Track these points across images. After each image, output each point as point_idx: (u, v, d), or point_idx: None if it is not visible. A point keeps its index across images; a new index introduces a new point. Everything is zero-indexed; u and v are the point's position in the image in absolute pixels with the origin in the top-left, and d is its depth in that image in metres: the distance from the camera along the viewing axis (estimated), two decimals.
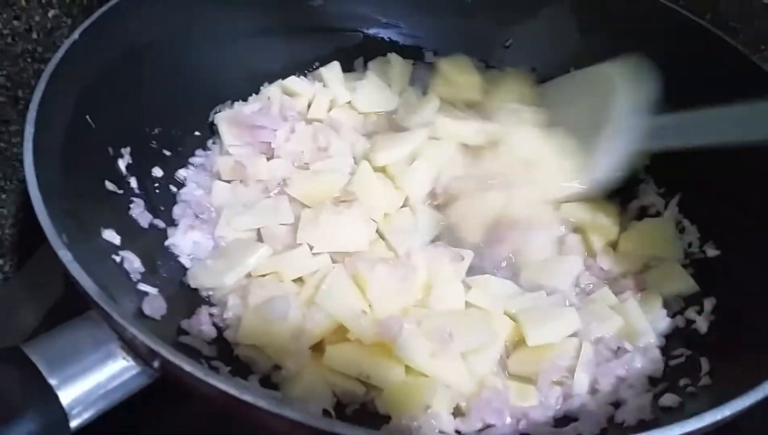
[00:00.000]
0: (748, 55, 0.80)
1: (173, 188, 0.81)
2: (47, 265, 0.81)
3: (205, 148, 0.87)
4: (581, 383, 0.66)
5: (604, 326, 0.71)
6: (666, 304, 0.75)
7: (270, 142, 0.85)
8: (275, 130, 0.86)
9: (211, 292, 0.72)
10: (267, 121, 0.86)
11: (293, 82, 0.93)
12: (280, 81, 0.93)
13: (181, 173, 0.83)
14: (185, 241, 0.75)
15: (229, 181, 0.82)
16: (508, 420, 0.63)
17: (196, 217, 0.79)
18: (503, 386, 0.65)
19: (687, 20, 0.86)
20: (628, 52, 0.87)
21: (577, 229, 0.83)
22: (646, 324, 0.72)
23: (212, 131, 0.89)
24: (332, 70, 0.95)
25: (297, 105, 0.91)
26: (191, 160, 0.85)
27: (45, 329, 0.71)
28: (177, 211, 0.78)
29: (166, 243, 0.74)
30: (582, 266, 0.79)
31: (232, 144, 0.85)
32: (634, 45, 0.86)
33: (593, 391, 0.67)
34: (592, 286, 0.78)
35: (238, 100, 0.91)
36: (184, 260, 0.74)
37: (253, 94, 0.92)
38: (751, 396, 0.50)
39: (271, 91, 0.92)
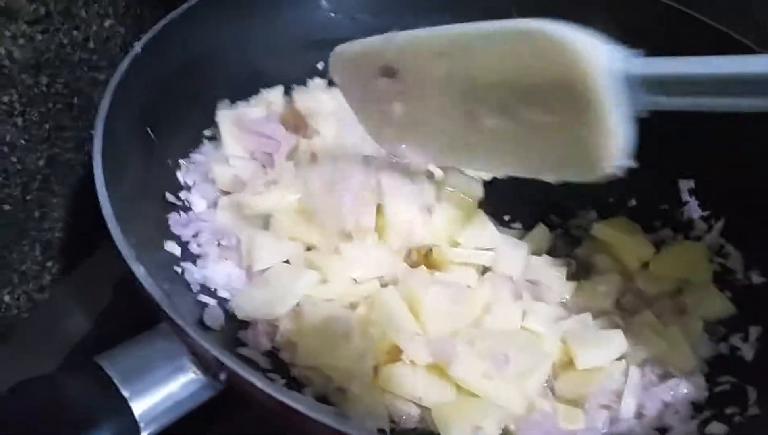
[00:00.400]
0: None
1: None
2: (97, 271, 0.82)
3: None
4: (628, 407, 0.67)
5: (649, 350, 0.71)
6: (708, 329, 0.75)
7: (272, 154, 0.80)
8: (279, 143, 0.80)
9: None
10: (272, 130, 0.81)
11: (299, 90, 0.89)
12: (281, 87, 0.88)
13: (181, 178, 0.77)
14: (218, 275, 0.71)
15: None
16: None
17: (219, 244, 0.74)
18: (552, 409, 0.66)
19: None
20: None
21: (603, 249, 0.83)
22: (688, 349, 0.72)
23: None
24: None
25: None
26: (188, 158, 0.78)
27: (95, 335, 0.75)
28: (199, 240, 0.73)
29: (198, 278, 0.70)
30: (622, 285, 0.80)
31: (234, 153, 0.80)
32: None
33: (639, 416, 0.67)
34: (634, 306, 0.78)
35: None
36: (221, 293, 0.71)
37: (253, 96, 0.87)
38: None
39: (273, 95, 0.87)
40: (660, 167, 0.83)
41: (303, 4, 0.93)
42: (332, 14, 0.95)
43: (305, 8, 0.93)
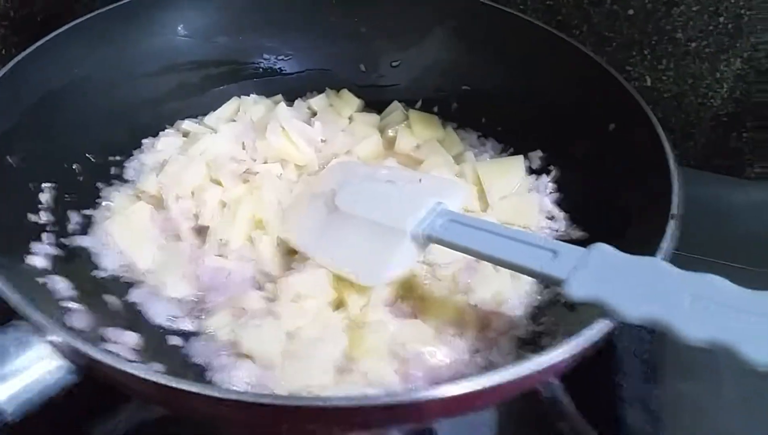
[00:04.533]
0: (617, 77, 0.90)
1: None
2: None
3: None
4: None
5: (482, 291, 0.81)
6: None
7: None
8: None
9: None
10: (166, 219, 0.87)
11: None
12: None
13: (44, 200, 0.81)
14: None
15: None
16: None
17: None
18: None
19: (562, 42, 0.97)
20: (505, 71, 1.01)
21: None
22: (518, 292, 0.82)
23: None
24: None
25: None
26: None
27: None
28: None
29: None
30: None
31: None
32: (513, 65, 1.01)
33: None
34: None
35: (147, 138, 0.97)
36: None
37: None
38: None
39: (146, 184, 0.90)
40: None
41: (159, 32, 1.00)
42: (190, 39, 1.03)
43: (162, 35, 1.00)
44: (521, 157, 0.97)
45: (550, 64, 0.98)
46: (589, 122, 0.92)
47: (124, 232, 0.85)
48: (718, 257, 0.87)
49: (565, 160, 0.94)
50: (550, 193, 0.94)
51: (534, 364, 0.56)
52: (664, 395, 0.81)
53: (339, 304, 0.80)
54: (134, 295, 0.81)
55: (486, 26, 1.03)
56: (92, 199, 0.89)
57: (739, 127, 1.15)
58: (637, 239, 0.73)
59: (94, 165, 0.90)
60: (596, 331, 0.59)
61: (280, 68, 1.10)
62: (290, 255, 0.86)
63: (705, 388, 0.85)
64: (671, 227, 0.67)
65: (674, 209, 0.68)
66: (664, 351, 0.84)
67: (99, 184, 0.90)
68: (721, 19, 1.06)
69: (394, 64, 1.09)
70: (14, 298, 0.58)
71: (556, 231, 0.90)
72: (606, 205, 0.85)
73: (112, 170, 0.93)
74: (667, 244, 0.66)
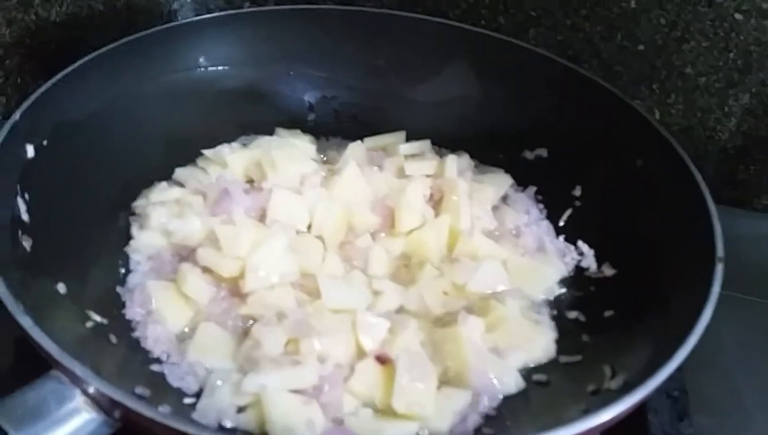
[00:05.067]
0: (644, 114, 0.91)
1: None
2: None
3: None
4: None
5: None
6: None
7: None
8: None
9: None
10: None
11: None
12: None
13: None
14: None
15: None
16: None
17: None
18: None
19: (577, 74, 0.98)
20: (523, 105, 1.00)
21: None
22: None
23: None
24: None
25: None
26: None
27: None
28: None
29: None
30: None
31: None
32: (533, 100, 1.00)
33: None
34: None
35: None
36: None
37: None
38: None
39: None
40: None
41: (182, 62, 0.98)
42: (212, 68, 1.01)
43: (186, 65, 0.99)
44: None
45: (571, 100, 0.97)
46: (615, 158, 0.91)
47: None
48: (726, 289, 0.88)
49: (589, 195, 0.94)
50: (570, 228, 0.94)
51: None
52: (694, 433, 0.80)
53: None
54: None
55: (506, 61, 1.02)
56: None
57: (747, 160, 1.16)
58: (677, 280, 0.73)
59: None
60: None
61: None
62: None
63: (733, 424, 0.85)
64: (719, 272, 0.66)
65: (720, 252, 0.68)
66: (692, 388, 0.83)
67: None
68: (731, 55, 1.07)
69: (408, 98, 1.07)
70: (53, 349, 0.55)
71: (587, 268, 0.89)
72: (637, 243, 0.84)
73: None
74: (716, 289, 0.65)
